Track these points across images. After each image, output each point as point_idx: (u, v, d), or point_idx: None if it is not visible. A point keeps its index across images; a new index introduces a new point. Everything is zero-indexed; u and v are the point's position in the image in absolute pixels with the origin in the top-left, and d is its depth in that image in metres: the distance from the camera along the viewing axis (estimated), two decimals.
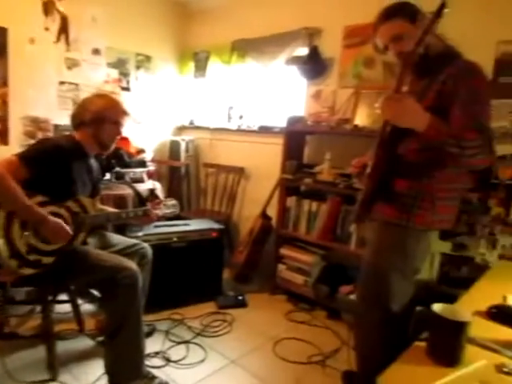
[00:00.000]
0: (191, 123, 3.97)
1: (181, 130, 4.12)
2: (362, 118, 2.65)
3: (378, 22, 1.48)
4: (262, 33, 3.26)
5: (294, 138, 2.91)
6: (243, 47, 3.41)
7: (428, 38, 1.29)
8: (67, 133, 1.88)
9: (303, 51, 2.98)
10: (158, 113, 3.94)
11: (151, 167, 3.31)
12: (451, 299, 1.38)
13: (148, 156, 3.35)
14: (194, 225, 2.79)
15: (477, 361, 0.96)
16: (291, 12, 3.09)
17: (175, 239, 2.60)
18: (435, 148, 1.33)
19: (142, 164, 3.21)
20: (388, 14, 1.45)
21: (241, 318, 2.59)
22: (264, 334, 2.42)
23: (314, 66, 2.88)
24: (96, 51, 3.37)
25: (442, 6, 1.21)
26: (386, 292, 1.51)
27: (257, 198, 3.28)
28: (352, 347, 1.81)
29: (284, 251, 2.95)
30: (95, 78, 3.38)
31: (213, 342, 2.29)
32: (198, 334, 2.34)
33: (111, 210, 2.03)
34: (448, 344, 0.95)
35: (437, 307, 0.97)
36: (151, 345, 2.15)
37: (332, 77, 2.90)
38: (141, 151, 3.26)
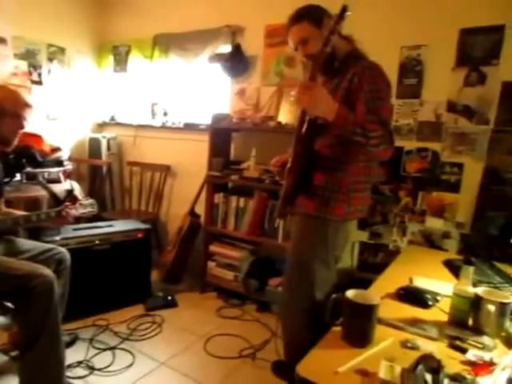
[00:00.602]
0: (112, 119, 3.79)
1: (101, 126, 3.91)
2: (285, 115, 2.73)
3: (288, 25, 1.56)
4: (184, 28, 3.20)
5: (220, 135, 2.91)
6: (165, 42, 3.33)
7: (334, 39, 1.37)
8: None
9: (226, 49, 2.99)
10: (75, 108, 3.69)
11: (69, 166, 3.10)
12: (369, 283, 1.50)
13: (65, 154, 3.13)
14: (118, 226, 2.68)
15: (385, 339, 1.06)
16: (213, 9, 3.07)
17: (98, 242, 2.47)
18: (345, 142, 1.42)
19: (58, 163, 2.98)
20: (295, 18, 1.53)
21: (171, 319, 2.55)
22: (195, 332, 2.41)
23: (237, 63, 2.90)
24: (1, 40, 3.06)
25: (344, 10, 1.30)
26: (310, 281, 1.59)
27: (184, 196, 3.24)
28: (280, 337, 1.88)
29: (213, 248, 2.95)
30: (0, 69, 3.07)
31: (141, 345, 2.23)
32: (125, 339, 2.26)
33: (19, 213, 1.87)
34: (360, 326, 1.02)
35: (349, 293, 1.04)
36: (73, 354, 2.04)
37: (255, 75, 2.95)
38: (56, 149, 3.03)
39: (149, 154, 3.58)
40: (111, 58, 3.77)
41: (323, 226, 1.57)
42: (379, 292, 1.36)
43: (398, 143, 2.38)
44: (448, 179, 2.31)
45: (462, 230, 2.28)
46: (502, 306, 1.08)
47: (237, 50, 2.90)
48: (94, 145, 3.62)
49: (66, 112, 3.60)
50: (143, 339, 2.29)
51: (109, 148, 3.63)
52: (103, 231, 2.53)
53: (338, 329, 1.09)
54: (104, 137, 3.62)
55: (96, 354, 2.09)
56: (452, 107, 2.26)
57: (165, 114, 3.44)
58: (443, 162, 2.32)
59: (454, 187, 2.30)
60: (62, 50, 3.49)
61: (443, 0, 2.23)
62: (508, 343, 1.07)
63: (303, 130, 1.49)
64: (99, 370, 1.97)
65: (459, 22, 2.19)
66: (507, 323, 1.11)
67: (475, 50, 2.17)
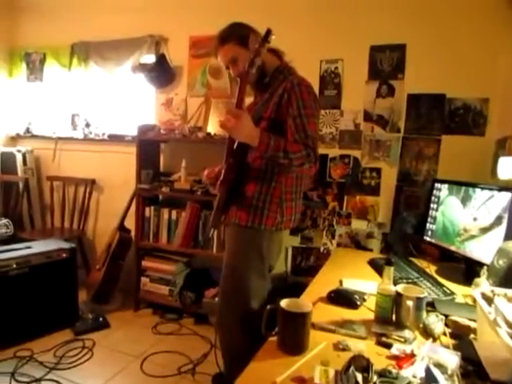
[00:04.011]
0: (28, 132, 3.50)
1: (15, 139, 3.59)
2: (213, 126, 2.74)
3: (216, 46, 1.59)
4: (104, 37, 3.08)
5: (148, 146, 2.84)
6: (84, 51, 3.16)
7: (260, 59, 1.42)
8: None
9: (150, 59, 2.92)
10: None
11: None
12: (303, 286, 1.55)
13: None
14: (38, 247, 2.48)
15: (320, 343, 1.10)
16: (135, 18, 2.99)
17: (14, 266, 2.28)
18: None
19: None
20: (222, 40, 1.57)
21: (103, 341, 2.42)
22: (130, 353, 2.31)
23: (162, 73, 2.85)
24: None
25: (268, 33, 1.36)
26: (245, 291, 1.61)
27: (112, 210, 3.09)
28: (219, 348, 1.87)
29: (146, 263, 2.86)
30: None
31: (71, 373, 2.09)
32: (53, 369, 2.10)
33: None
34: (294, 334, 1.06)
35: (283, 302, 1.07)
36: None
37: (181, 85, 2.93)
38: None
39: (71, 167, 3.37)
40: (23, 65, 3.49)
41: (256, 237, 1.60)
42: (312, 297, 1.41)
43: (322, 151, 2.52)
44: (369, 183, 2.48)
45: (383, 230, 2.46)
46: (418, 301, 1.19)
47: (161, 60, 2.85)
48: (7, 159, 3.32)
49: None
50: (73, 366, 2.15)
51: (25, 162, 3.35)
52: (21, 254, 2.35)
53: (274, 339, 1.11)
54: (19, 151, 3.34)
55: None
56: (368, 117, 2.45)
57: (87, 126, 3.26)
58: (364, 167, 2.49)
59: (375, 190, 2.48)
60: None
61: (356, 18, 2.41)
62: (425, 334, 1.18)
63: (235, 143, 1.51)
64: None
65: (370, 39, 2.39)
66: (423, 315, 1.23)
67: (384, 65, 2.38)
